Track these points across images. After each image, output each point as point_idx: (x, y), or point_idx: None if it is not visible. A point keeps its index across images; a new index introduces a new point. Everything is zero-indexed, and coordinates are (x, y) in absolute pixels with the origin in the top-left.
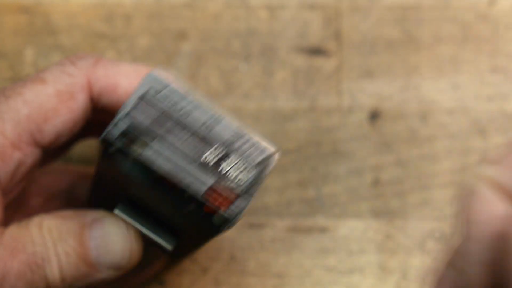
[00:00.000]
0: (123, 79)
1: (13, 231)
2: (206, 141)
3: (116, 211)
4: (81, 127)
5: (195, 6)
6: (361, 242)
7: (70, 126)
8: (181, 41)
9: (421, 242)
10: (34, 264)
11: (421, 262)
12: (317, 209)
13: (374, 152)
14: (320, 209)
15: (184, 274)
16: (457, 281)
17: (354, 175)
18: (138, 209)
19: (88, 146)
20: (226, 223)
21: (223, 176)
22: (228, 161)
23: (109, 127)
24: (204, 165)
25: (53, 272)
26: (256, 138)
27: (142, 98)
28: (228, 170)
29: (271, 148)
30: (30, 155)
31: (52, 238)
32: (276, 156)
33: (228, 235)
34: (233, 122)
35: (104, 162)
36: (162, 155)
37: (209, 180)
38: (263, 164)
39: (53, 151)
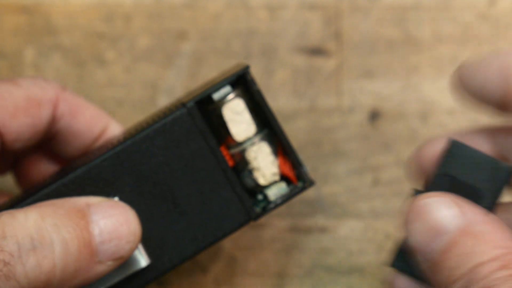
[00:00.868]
0: (86, 111)
1: (6, 218)
2: None
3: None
4: (37, 140)
5: (195, 6)
6: (361, 242)
7: (31, 131)
8: (181, 41)
9: None
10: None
11: None
12: (317, 209)
13: (374, 152)
14: (320, 209)
15: (184, 274)
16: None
17: (354, 175)
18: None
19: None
20: (275, 201)
21: None
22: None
23: None
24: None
25: (56, 261)
26: None
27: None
28: None
29: None
30: None
31: (51, 224)
32: None
33: None
34: None
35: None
36: None
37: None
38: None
39: (2, 159)
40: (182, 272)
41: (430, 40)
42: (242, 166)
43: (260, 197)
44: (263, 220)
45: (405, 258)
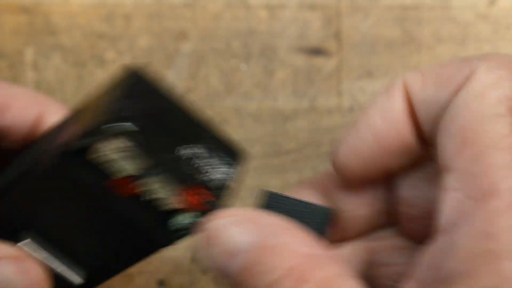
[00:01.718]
0: (16, 102)
1: None
2: (183, 137)
3: (21, 244)
4: None
5: (195, 6)
6: None
7: None
8: (181, 41)
9: None
10: None
11: None
12: None
13: None
14: None
15: (184, 274)
16: None
17: None
18: (47, 238)
19: None
20: (187, 228)
21: (197, 171)
22: (201, 158)
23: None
24: (179, 161)
25: None
26: (227, 139)
27: (124, 94)
28: (201, 166)
29: (240, 149)
30: None
31: None
32: (246, 156)
33: None
34: (205, 124)
35: (47, 174)
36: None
37: (183, 174)
38: (234, 162)
39: None
40: (182, 272)
41: (430, 40)
42: (146, 196)
43: (172, 223)
44: None
45: None
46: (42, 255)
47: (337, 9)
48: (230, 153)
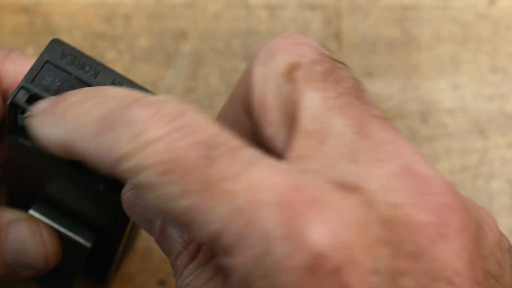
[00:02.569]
0: None
1: None
2: None
3: (31, 211)
4: None
5: (195, 6)
6: None
7: None
8: (181, 41)
9: None
10: None
11: None
12: None
13: None
14: None
15: None
16: None
17: None
18: (54, 206)
19: None
20: None
21: None
22: None
23: (16, 90)
24: None
25: None
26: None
27: (48, 61)
28: None
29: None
30: None
31: None
32: None
33: None
34: (135, 83)
35: (14, 141)
36: None
37: None
38: None
39: None
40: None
41: (430, 40)
42: None
43: None
44: None
45: None
46: (51, 221)
47: (337, 9)
48: None
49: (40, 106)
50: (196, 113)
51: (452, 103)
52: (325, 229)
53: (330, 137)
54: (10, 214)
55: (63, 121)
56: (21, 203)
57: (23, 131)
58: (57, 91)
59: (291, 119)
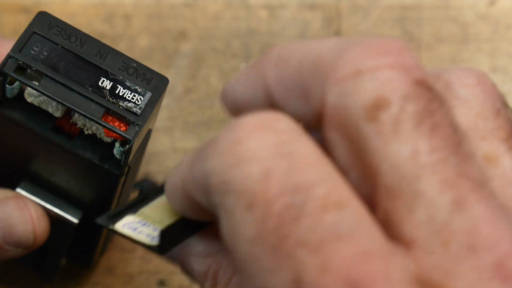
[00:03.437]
0: None
1: None
2: (101, 68)
3: (18, 189)
4: None
5: (195, 6)
6: None
7: None
8: (181, 41)
9: None
10: None
11: None
12: None
13: None
14: None
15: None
16: None
17: None
18: (41, 184)
19: None
20: (127, 153)
21: (119, 98)
22: (123, 85)
23: (5, 60)
24: (100, 91)
25: None
26: (145, 66)
27: (36, 32)
28: (124, 93)
29: (161, 75)
30: None
31: None
32: (167, 82)
33: None
34: (120, 52)
35: (1, 113)
36: (58, 85)
37: (105, 103)
38: (156, 88)
39: None
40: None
41: (430, 40)
42: (85, 131)
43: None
44: None
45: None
46: (38, 198)
47: (337, 9)
48: (150, 79)
49: None
50: (307, 142)
51: None
52: None
53: (420, 206)
54: None
55: None
56: (9, 182)
57: (10, 103)
58: (44, 61)
59: (363, 167)
